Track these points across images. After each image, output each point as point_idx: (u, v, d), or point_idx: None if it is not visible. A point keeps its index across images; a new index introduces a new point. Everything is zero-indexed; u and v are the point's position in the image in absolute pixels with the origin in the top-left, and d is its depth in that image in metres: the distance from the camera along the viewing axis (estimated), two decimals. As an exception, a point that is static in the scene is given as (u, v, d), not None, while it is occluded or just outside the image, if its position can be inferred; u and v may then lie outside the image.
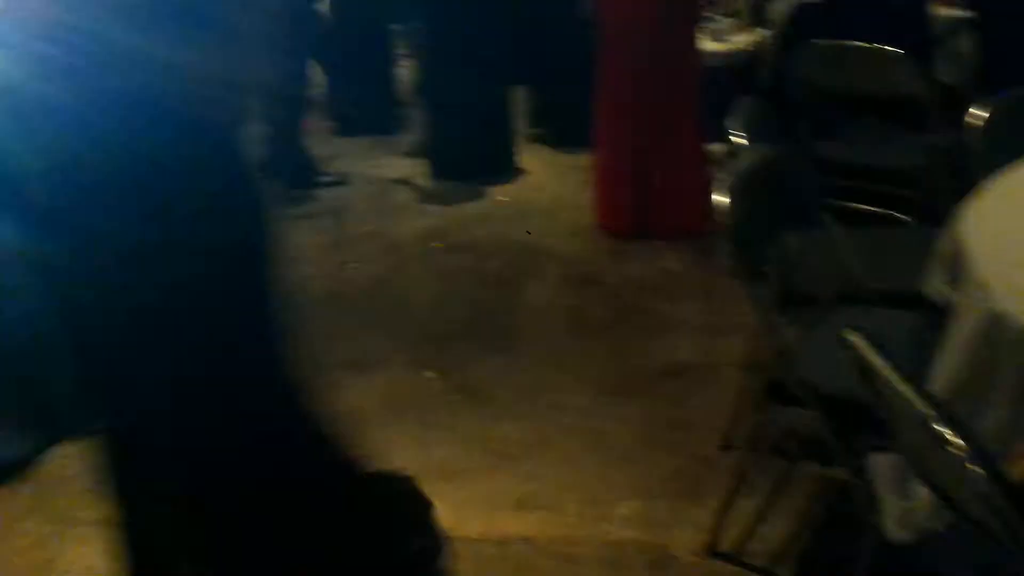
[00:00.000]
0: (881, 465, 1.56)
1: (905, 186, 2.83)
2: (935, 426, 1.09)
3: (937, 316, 1.73)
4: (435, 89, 4.76)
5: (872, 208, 2.69)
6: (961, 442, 1.07)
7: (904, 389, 1.16)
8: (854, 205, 2.64)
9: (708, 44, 4.35)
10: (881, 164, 2.93)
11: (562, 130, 4.96)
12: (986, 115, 2.17)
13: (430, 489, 2.48)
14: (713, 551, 2.17)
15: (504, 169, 4.75)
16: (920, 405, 1.13)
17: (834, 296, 2.18)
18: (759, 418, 2.10)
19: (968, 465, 1.05)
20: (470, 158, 4.69)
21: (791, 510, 2.27)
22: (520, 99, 5.14)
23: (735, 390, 2.56)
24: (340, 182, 4.82)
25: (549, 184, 4.63)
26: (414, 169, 4.99)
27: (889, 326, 1.94)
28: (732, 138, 2.33)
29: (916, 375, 1.22)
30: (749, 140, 2.29)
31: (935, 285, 1.75)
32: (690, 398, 2.82)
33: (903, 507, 1.50)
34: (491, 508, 2.40)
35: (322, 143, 5.35)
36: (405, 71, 5.84)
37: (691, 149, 3.85)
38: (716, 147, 4.17)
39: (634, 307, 3.41)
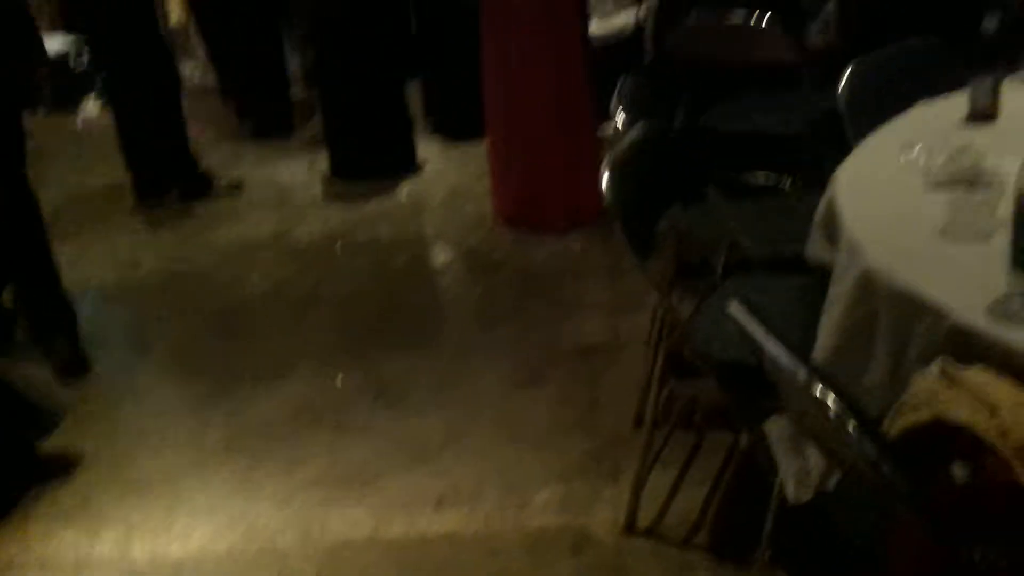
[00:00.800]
0: (776, 428, 1.60)
1: (789, 153, 2.91)
2: (812, 391, 1.12)
3: (821, 279, 1.79)
4: (329, 85, 4.68)
5: (756, 177, 2.75)
6: (838, 404, 1.10)
7: (782, 355, 1.20)
8: (739, 175, 2.70)
9: (593, 24, 4.39)
10: (763, 133, 2.99)
11: (456, 120, 4.95)
12: (853, 79, 2.24)
13: (348, 496, 2.48)
14: (631, 528, 2.21)
15: (405, 163, 4.72)
16: (797, 371, 1.17)
17: (724, 266, 2.23)
18: (663, 393, 2.14)
19: (846, 426, 1.09)
20: (370, 155, 4.64)
21: (703, 480, 2.32)
22: (413, 91, 5.11)
23: (643, 367, 2.60)
24: (236, 186, 4.72)
25: (447, 175, 4.62)
26: (312, 169, 4.91)
27: (777, 291, 2.00)
28: (616, 117, 2.36)
29: (794, 340, 1.25)
30: (633, 118, 2.32)
31: (815, 249, 1.81)
32: (601, 378, 2.85)
33: (799, 466, 1.54)
34: (411, 509, 2.40)
35: (215, 147, 5.23)
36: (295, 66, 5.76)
37: (584, 132, 3.86)
38: (605, 127, 4.23)
39: (539, 293, 3.43)
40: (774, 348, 1.21)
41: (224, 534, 2.39)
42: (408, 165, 4.72)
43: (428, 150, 4.90)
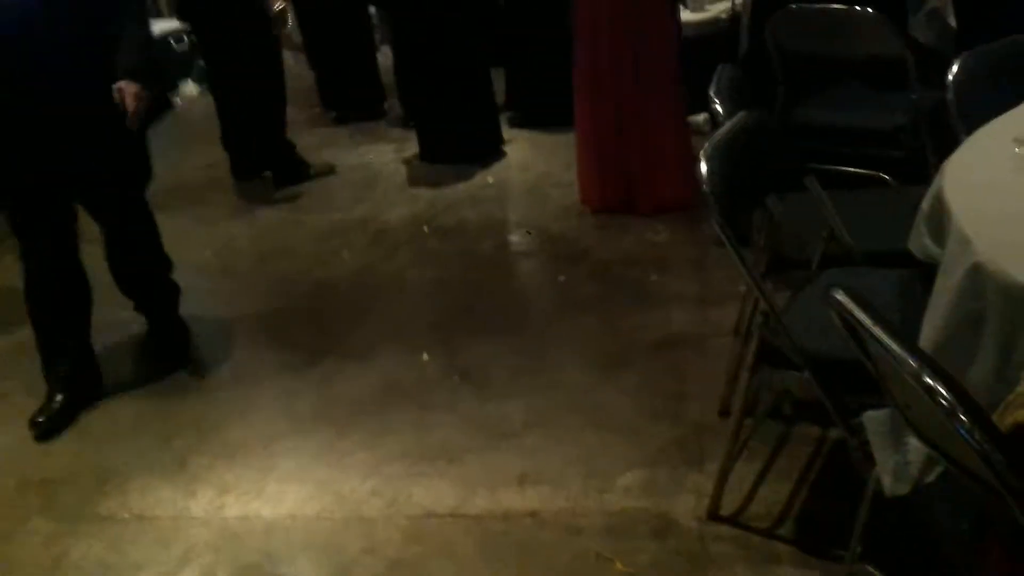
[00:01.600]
0: (874, 421, 1.58)
1: (888, 147, 2.86)
2: (924, 379, 1.11)
3: (923, 273, 1.76)
4: (413, 73, 4.75)
5: (856, 170, 2.71)
6: (950, 394, 1.10)
7: (892, 344, 1.19)
8: (838, 168, 2.66)
9: (686, 14, 4.36)
10: (863, 126, 2.95)
11: (542, 110, 4.97)
12: (961, 72, 2.19)
13: (433, 470, 2.53)
14: (714, 515, 2.21)
15: (491, 149, 4.76)
16: (908, 359, 1.16)
17: (820, 259, 2.21)
18: (754, 383, 2.13)
19: (958, 417, 1.08)
20: (455, 140, 4.70)
21: (789, 471, 2.31)
22: (499, 80, 5.15)
23: (730, 357, 2.59)
24: (328, 172, 4.83)
25: (534, 163, 4.65)
26: (400, 154, 5.00)
27: (876, 285, 1.98)
28: (713, 107, 2.35)
29: (903, 331, 1.24)
30: (730, 108, 2.31)
31: (920, 242, 1.78)
32: (686, 368, 2.85)
33: (897, 461, 1.53)
34: (494, 486, 2.44)
35: (308, 133, 5.36)
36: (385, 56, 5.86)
37: (673, 121, 3.85)
38: (699, 117, 4.21)
39: (625, 281, 3.44)
40: (884, 337, 1.21)
41: (313, 499, 2.47)
42: (494, 150, 4.76)
43: (514, 139, 4.94)
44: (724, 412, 2.54)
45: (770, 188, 2.22)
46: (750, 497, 2.25)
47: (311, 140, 5.22)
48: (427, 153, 4.80)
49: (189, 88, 6.74)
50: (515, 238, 3.93)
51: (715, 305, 3.12)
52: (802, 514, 2.20)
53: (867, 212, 2.35)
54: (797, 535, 2.14)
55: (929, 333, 1.53)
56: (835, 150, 2.79)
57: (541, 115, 5.00)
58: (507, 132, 4.99)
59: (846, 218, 2.21)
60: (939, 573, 1.47)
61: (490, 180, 4.52)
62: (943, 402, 1.10)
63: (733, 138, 2.10)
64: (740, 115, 2.18)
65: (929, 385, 1.11)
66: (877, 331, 1.22)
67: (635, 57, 3.72)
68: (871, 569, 1.70)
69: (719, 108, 2.33)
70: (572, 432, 2.62)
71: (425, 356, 3.09)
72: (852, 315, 1.27)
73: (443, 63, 4.56)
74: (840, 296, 1.30)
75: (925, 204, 1.79)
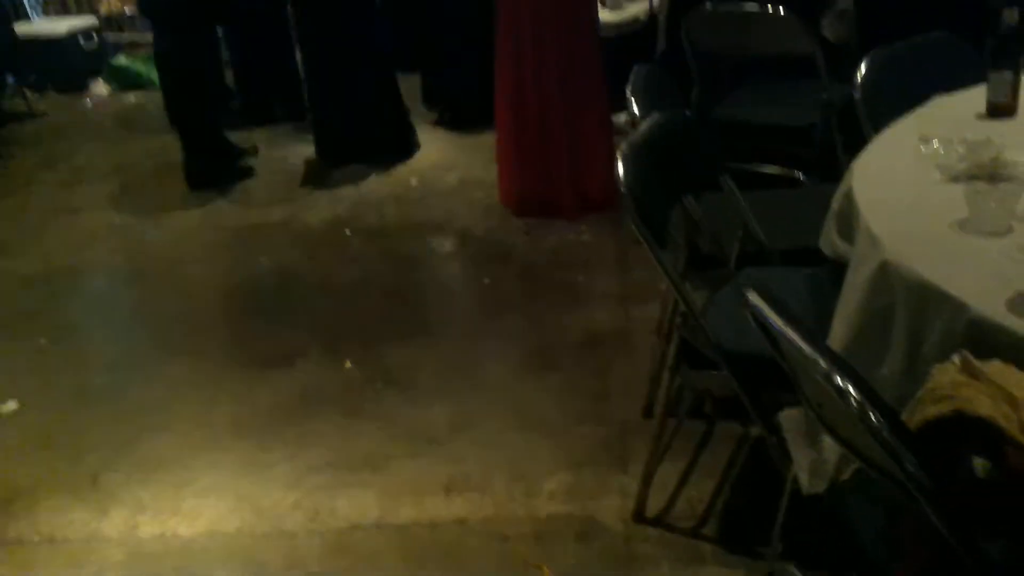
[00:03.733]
0: (790, 420, 1.60)
1: (801, 144, 2.90)
2: (834, 380, 1.12)
3: (834, 271, 1.79)
4: (322, 74, 4.66)
5: (770, 168, 2.74)
6: (859, 394, 1.10)
7: (802, 344, 1.20)
8: (753, 166, 2.69)
9: (604, 14, 4.37)
10: (777, 123, 2.99)
11: (462, 112, 4.95)
12: (868, 71, 2.23)
13: (357, 480, 2.48)
14: (640, 517, 2.21)
15: (398, 151, 4.71)
16: (818, 360, 1.16)
17: (737, 257, 2.23)
18: (675, 383, 2.14)
19: (868, 417, 1.09)
20: (362, 141, 4.64)
21: (713, 470, 2.32)
22: (416, 83, 5.11)
23: (653, 357, 2.60)
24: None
25: (457, 164, 4.61)
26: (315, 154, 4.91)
27: (791, 283, 2.00)
28: (630, 106, 2.35)
29: (815, 330, 1.25)
30: (647, 107, 2.31)
31: (829, 240, 1.80)
32: (610, 367, 2.85)
33: (813, 459, 1.54)
34: (420, 494, 2.40)
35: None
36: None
37: (598, 120, 3.86)
38: (620, 117, 4.22)
39: (549, 281, 3.43)
40: (794, 336, 1.21)
41: (232, 514, 2.40)
42: (402, 152, 4.71)
43: (436, 140, 4.91)
44: (648, 412, 2.55)
45: (688, 187, 2.24)
46: (674, 497, 2.26)
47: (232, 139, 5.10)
48: (322, 152, 4.72)
49: (100, 87, 6.53)
50: (439, 240, 3.89)
51: (639, 304, 3.14)
52: (726, 512, 2.21)
53: (781, 210, 2.38)
54: (721, 533, 2.16)
55: (839, 331, 1.55)
56: (750, 148, 2.83)
57: (464, 116, 4.97)
58: (430, 132, 4.95)
59: (761, 216, 2.23)
60: (857, 569, 1.48)
61: (413, 182, 4.47)
62: (853, 402, 1.10)
63: (650, 138, 2.10)
64: (656, 115, 2.18)
65: (839, 386, 1.12)
66: (788, 331, 1.22)
67: (558, 56, 3.71)
68: (791, 567, 1.72)
69: (635, 108, 2.33)
70: (498, 436, 2.60)
71: (348, 362, 3.03)
72: (765, 316, 1.27)
73: (344, 60, 4.48)
74: (752, 296, 1.31)
75: (835, 203, 1.81)
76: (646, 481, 2.20)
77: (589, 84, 3.77)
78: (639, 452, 2.33)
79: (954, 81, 2.17)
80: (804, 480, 1.59)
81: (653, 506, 2.23)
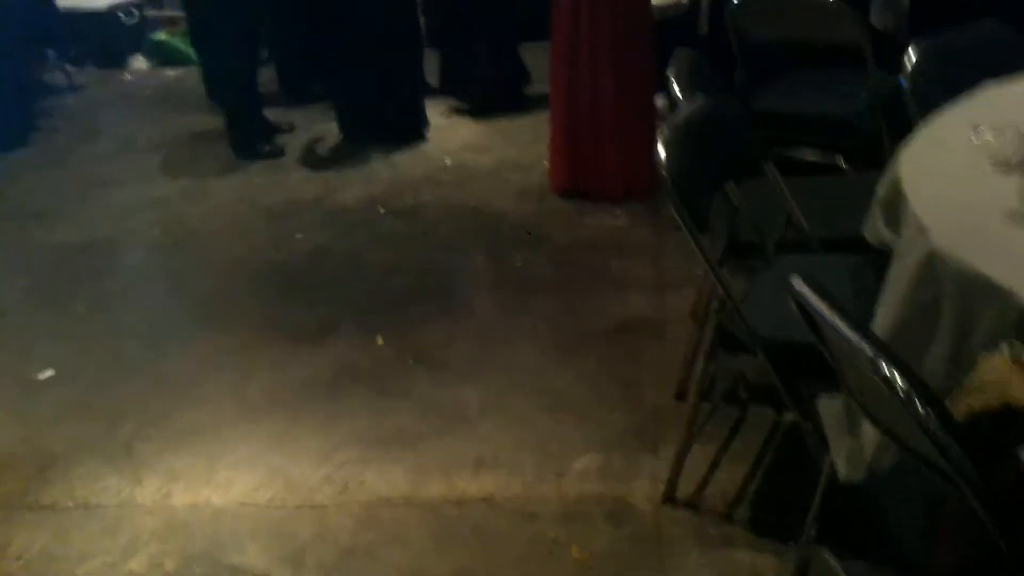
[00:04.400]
0: (829, 407, 1.59)
1: (845, 133, 2.86)
2: (880, 367, 1.11)
3: (878, 260, 1.76)
4: (341, 51, 4.66)
5: (813, 156, 2.71)
6: (906, 382, 1.09)
7: (848, 331, 1.18)
8: (796, 154, 2.66)
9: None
10: (821, 112, 2.95)
11: (480, 98, 4.92)
12: (917, 59, 2.20)
13: (387, 455, 2.50)
14: (670, 499, 2.21)
15: (412, 132, 4.71)
16: (864, 346, 1.15)
17: (777, 245, 2.21)
18: (710, 367, 2.13)
19: (914, 405, 1.08)
20: (378, 122, 4.65)
21: (745, 456, 2.32)
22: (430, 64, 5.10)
23: (686, 342, 2.59)
24: (289, 129, 4.81)
25: (492, 147, 4.60)
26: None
27: (832, 271, 1.98)
28: (672, 90, 2.33)
29: (859, 318, 1.24)
30: (688, 92, 2.29)
31: (875, 229, 1.78)
32: (643, 352, 2.84)
33: (852, 446, 1.53)
34: (449, 471, 2.41)
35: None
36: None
37: (645, 105, 3.83)
38: (659, 101, 4.19)
39: (583, 266, 3.42)
40: (840, 323, 1.20)
41: (264, 486, 2.43)
42: (417, 133, 4.71)
43: (470, 124, 4.89)
44: (680, 396, 2.54)
45: (729, 174, 2.22)
46: (705, 481, 2.25)
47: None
48: (344, 130, 4.73)
49: (139, 62, 6.58)
50: (472, 221, 3.89)
51: (673, 290, 3.12)
52: (757, 498, 2.21)
53: (824, 198, 2.36)
54: (752, 518, 2.15)
55: (884, 319, 1.53)
56: (794, 136, 2.79)
57: (483, 101, 4.94)
58: (447, 118, 4.94)
59: (803, 204, 2.21)
60: (892, 558, 1.47)
61: (448, 162, 4.47)
62: (899, 391, 1.09)
63: (692, 123, 2.08)
64: (699, 99, 2.16)
65: (885, 374, 1.11)
66: (834, 319, 1.21)
67: (613, 39, 3.68)
68: (825, 552, 1.70)
69: (677, 92, 2.31)
70: (528, 417, 2.60)
71: (380, 340, 3.05)
72: (809, 302, 1.26)
73: (363, 38, 4.48)
74: (798, 283, 1.29)
75: (880, 190, 1.79)
76: (677, 464, 2.20)
77: (642, 70, 3.73)
78: (670, 436, 2.33)
79: (1005, 70, 2.13)
80: (841, 467, 1.58)
81: (684, 490, 2.23)
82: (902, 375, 1.10)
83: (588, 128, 3.82)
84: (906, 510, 1.48)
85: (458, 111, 4.98)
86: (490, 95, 4.91)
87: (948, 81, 2.13)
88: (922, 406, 1.07)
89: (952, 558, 1.40)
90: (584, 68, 3.75)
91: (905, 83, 2.18)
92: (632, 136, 3.79)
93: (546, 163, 4.16)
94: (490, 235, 3.77)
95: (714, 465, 2.28)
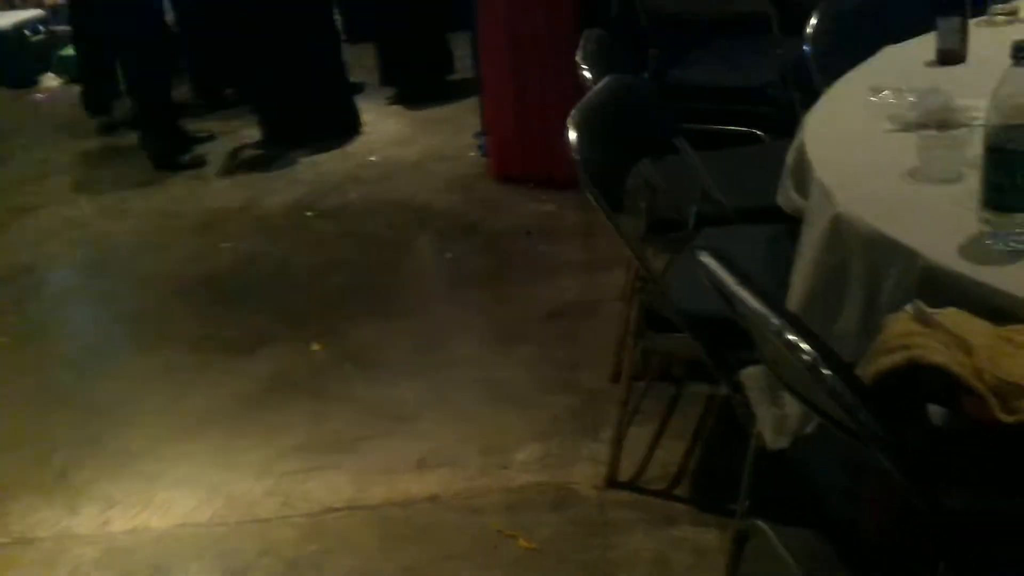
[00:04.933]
0: (752, 378, 1.60)
1: (759, 103, 2.89)
2: (785, 336, 1.11)
3: (793, 227, 1.78)
4: (262, 53, 4.59)
5: (727, 128, 2.73)
6: (811, 349, 1.10)
7: (754, 303, 1.19)
8: (711, 127, 2.68)
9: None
10: (734, 84, 2.97)
11: (418, 87, 4.90)
12: (819, 24, 2.22)
13: (328, 462, 2.47)
14: (612, 482, 2.22)
15: (346, 128, 4.66)
16: (770, 317, 1.16)
17: (697, 219, 2.22)
18: (640, 347, 2.13)
19: (819, 371, 1.08)
20: (304, 121, 4.59)
21: (683, 432, 2.33)
22: (369, 59, 5.04)
23: (619, 323, 2.60)
24: (208, 138, 4.71)
25: (415, 139, 4.57)
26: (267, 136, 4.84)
27: (750, 242, 1.99)
28: (581, 72, 2.32)
29: (766, 288, 1.24)
30: (599, 73, 2.29)
31: (786, 196, 1.80)
32: (578, 336, 2.85)
33: (776, 415, 1.54)
34: (392, 472, 2.39)
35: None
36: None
37: (568, 87, 3.81)
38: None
39: (514, 253, 3.42)
40: (746, 296, 1.20)
41: (205, 505, 2.38)
42: (348, 129, 4.66)
43: (391, 117, 4.86)
44: (616, 378, 2.54)
45: (644, 152, 2.22)
46: (646, 460, 2.27)
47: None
48: (268, 135, 4.66)
49: (50, 79, 6.40)
50: (400, 217, 3.86)
51: (604, 271, 3.13)
52: (697, 473, 2.23)
53: (740, 170, 2.37)
54: (693, 494, 2.17)
55: (797, 287, 1.54)
56: (710, 109, 2.81)
57: (418, 93, 4.92)
58: (385, 109, 4.90)
59: (720, 177, 2.22)
60: (823, 523, 1.49)
61: (373, 159, 4.42)
62: (804, 356, 1.10)
63: (601, 103, 2.08)
64: (608, 79, 2.16)
65: (790, 341, 1.11)
66: (739, 290, 1.21)
67: (535, 23, 3.66)
68: (760, 523, 1.72)
69: (587, 73, 2.31)
70: (468, 410, 2.59)
71: (315, 345, 3.01)
72: (717, 277, 1.26)
73: (284, 39, 4.42)
74: (705, 258, 1.30)
75: (789, 158, 1.80)
76: (617, 446, 2.21)
77: (561, 49, 3.70)
78: (609, 418, 2.33)
79: (905, 31, 2.16)
80: (768, 436, 1.59)
81: (625, 471, 2.24)
82: (806, 341, 1.10)
83: (537, 112, 3.80)
84: (831, 473, 1.50)
85: (396, 101, 4.95)
86: (423, 84, 4.88)
87: (850, 44, 2.15)
88: (828, 370, 1.08)
89: (878, 517, 1.42)
90: (525, 52, 3.73)
91: (808, 48, 2.20)
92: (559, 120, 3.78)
93: (472, 153, 4.15)
94: (419, 229, 3.74)
95: (654, 444, 2.30)
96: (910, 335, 1.17)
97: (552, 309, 3.01)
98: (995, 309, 1.20)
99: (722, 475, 2.18)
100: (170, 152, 4.53)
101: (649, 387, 2.39)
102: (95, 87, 4.50)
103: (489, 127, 3.96)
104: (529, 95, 3.78)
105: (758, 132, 2.81)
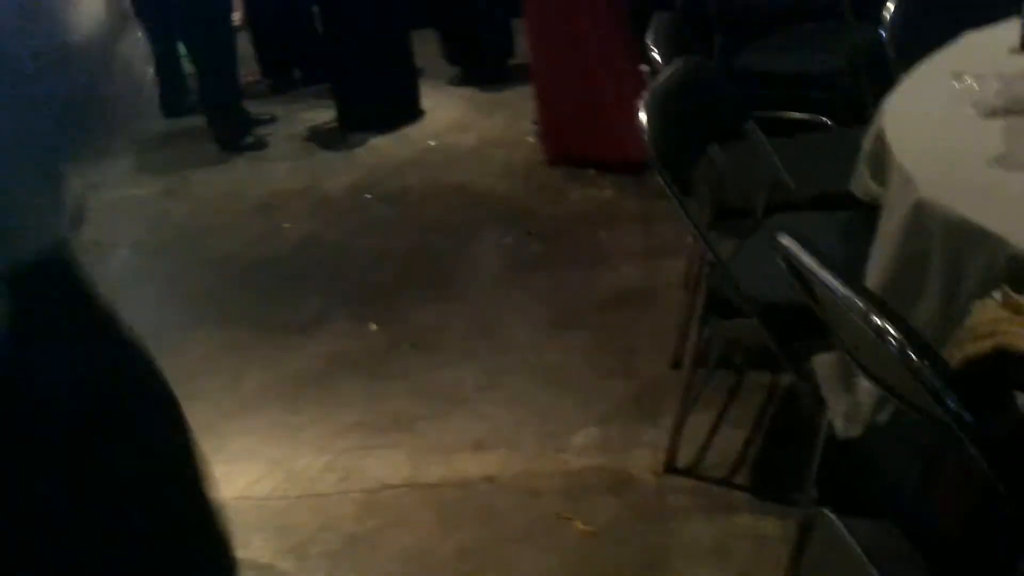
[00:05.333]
0: (824, 365, 1.58)
1: (828, 89, 2.84)
2: (872, 319, 1.09)
3: (866, 214, 1.75)
4: (336, 37, 4.63)
5: (796, 114, 2.69)
6: (898, 333, 1.08)
7: (838, 285, 1.17)
8: (779, 113, 2.64)
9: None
10: (802, 69, 2.92)
11: (481, 69, 4.90)
12: (896, 9, 2.17)
13: (386, 441, 2.49)
14: (671, 468, 2.20)
15: (410, 112, 4.68)
16: (855, 300, 1.14)
17: (765, 206, 2.19)
18: (704, 334, 2.11)
19: (907, 355, 1.06)
20: (375, 104, 4.61)
21: (743, 420, 2.31)
22: (432, 42, 5.05)
23: (679, 310, 2.58)
24: (269, 120, 4.77)
25: (475, 124, 4.57)
26: (336, 120, 4.88)
27: (822, 229, 1.96)
28: (651, 55, 2.30)
29: (849, 272, 1.22)
30: (668, 57, 2.27)
31: (862, 183, 1.76)
32: (636, 322, 2.83)
33: (849, 403, 1.52)
34: (449, 453, 2.40)
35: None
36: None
37: (628, 71, 3.78)
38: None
39: (574, 239, 3.40)
40: (829, 277, 1.18)
41: (265, 478, 2.42)
42: (412, 114, 4.68)
43: (453, 100, 4.86)
44: (676, 365, 2.53)
45: (712, 137, 2.20)
46: (705, 448, 2.25)
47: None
48: (344, 119, 4.69)
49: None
50: (460, 201, 3.86)
51: (663, 258, 3.10)
52: (757, 461, 2.20)
53: (809, 156, 2.34)
54: (753, 482, 2.15)
55: (875, 273, 1.52)
56: (776, 96, 2.77)
57: (480, 74, 4.93)
58: (446, 92, 4.91)
59: (789, 163, 2.19)
60: (895, 513, 1.46)
61: (432, 143, 4.44)
62: (892, 341, 1.08)
63: (672, 87, 2.06)
64: (678, 63, 2.14)
65: (877, 325, 1.09)
66: (823, 273, 1.19)
67: (590, 4, 3.65)
68: (827, 512, 1.70)
69: (657, 57, 2.29)
70: (525, 394, 2.59)
71: (373, 326, 3.03)
72: (797, 258, 1.24)
73: (360, 24, 4.45)
74: (785, 240, 1.28)
75: (866, 144, 1.77)
76: (676, 432, 2.19)
77: (618, 33, 3.68)
78: (669, 405, 2.32)
79: (985, 16, 2.10)
80: (839, 424, 1.57)
81: (684, 458, 2.22)
82: (894, 326, 1.08)
83: (573, 98, 3.78)
84: (906, 463, 1.47)
85: (457, 83, 4.97)
86: (486, 68, 4.90)
87: (928, 30, 2.10)
88: (916, 356, 1.06)
89: (954, 508, 1.39)
90: (562, 38, 3.71)
91: (885, 34, 2.15)
92: (621, 103, 3.74)
93: (530, 139, 4.14)
94: (477, 214, 3.74)
95: (713, 432, 2.27)
96: (998, 321, 1.15)
97: (610, 296, 2.99)
98: (1087, 297, 1.17)
99: (783, 465, 2.15)
100: (235, 134, 4.60)
101: (710, 375, 2.37)
102: (167, 86, 4.56)
103: (541, 113, 3.94)
104: (584, 78, 3.75)
105: (824, 119, 2.76)
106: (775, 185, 2.19)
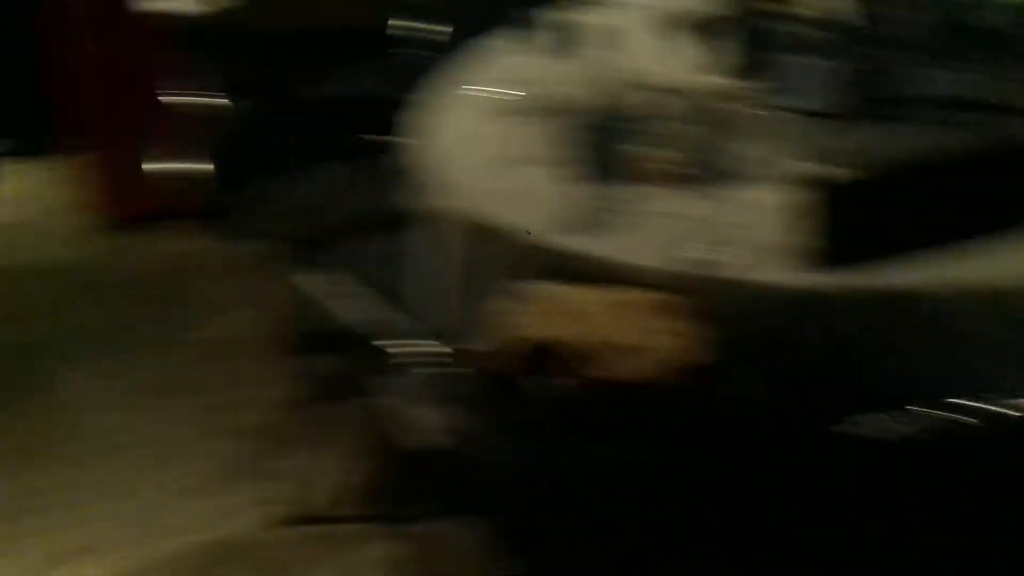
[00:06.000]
0: (398, 383, 1.59)
1: (373, 113, 2.89)
2: (379, 342, 1.10)
3: (418, 230, 1.79)
4: None
5: (348, 140, 2.70)
6: (404, 347, 1.09)
7: (371, 311, 1.17)
8: (329, 140, 2.64)
9: (158, 3, 4.05)
10: (348, 95, 2.95)
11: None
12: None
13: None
14: (290, 520, 2.12)
15: None
16: (388, 321, 1.14)
17: (328, 235, 2.17)
18: (298, 374, 2.05)
19: (437, 367, 1.08)
20: None
21: (352, 452, 2.28)
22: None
23: (273, 356, 2.49)
24: None
25: (35, 194, 4.09)
26: None
27: (374, 251, 1.98)
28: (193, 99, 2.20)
29: (380, 296, 1.23)
30: (208, 97, 2.18)
31: (410, 199, 1.80)
32: (237, 375, 2.69)
33: (427, 416, 1.54)
34: (52, 565, 2.12)
35: None
36: None
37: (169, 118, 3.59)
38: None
39: (151, 300, 3.16)
40: (362, 307, 1.18)
41: None
42: None
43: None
44: (277, 411, 2.44)
45: (264, 172, 2.14)
46: (322, 488, 2.19)
47: None
48: None
49: None
50: (6, 284, 3.41)
51: (249, 304, 2.97)
52: (376, 489, 2.18)
53: (362, 179, 2.35)
54: (378, 511, 2.13)
55: (412, 285, 1.55)
56: (327, 124, 2.76)
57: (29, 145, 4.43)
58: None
59: (341, 189, 2.20)
60: (489, 508, 1.51)
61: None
62: (402, 358, 1.09)
63: (219, 126, 1.98)
64: (219, 102, 2.06)
65: (384, 346, 1.10)
66: (347, 303, 1.19)
67: (108, 58, 3.42)
68: (441, 523, 1.73)
69: (195, 100, 2.18)
70: (123, 482, 2.36)
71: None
72: (315, 298, 1.23)
73: None
74: (299, 281, 1.26)
75: (404, 159, 1.80)
76: (289, 482, 2.11)
77: (149, 81, 3.49)
78: (277, 454, 2.23)
79: (503, 23, 2.22)
80: (428, 438, 1.59)
81: (302, 503, 2.15)
82: (400, 341, 1.10)
83: (116, 154, 3.53)
84: (488, 469, 1.52)
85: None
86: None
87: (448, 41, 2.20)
88: (444, 366, 1.08)
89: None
90: (87, 91, 3.48)
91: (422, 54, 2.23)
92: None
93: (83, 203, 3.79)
94: (43, 289, 3.33)
95: (325, 471, 2.22)
96: (514, 313, 1.20)
97: (202, 353, 2.81)
98: (593, 276, 1.27)
99: (404, 486, 2.16)
100: None
101: (311, 414, 2.31)
102: None
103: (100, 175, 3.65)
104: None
105: (377, 140, 2.79)
106: (330, 212, 2.19)
